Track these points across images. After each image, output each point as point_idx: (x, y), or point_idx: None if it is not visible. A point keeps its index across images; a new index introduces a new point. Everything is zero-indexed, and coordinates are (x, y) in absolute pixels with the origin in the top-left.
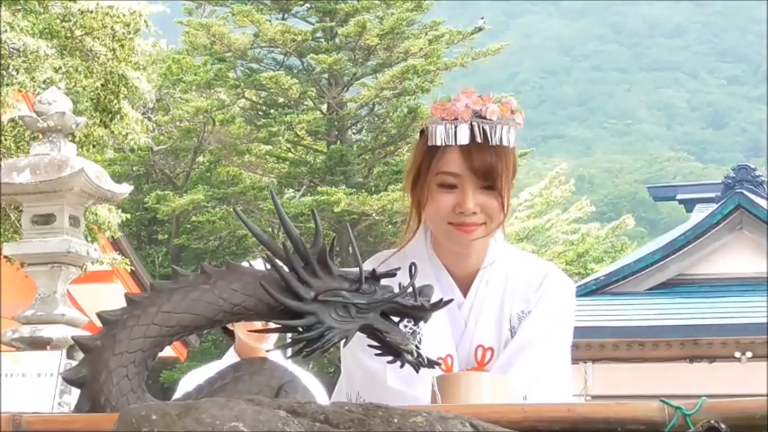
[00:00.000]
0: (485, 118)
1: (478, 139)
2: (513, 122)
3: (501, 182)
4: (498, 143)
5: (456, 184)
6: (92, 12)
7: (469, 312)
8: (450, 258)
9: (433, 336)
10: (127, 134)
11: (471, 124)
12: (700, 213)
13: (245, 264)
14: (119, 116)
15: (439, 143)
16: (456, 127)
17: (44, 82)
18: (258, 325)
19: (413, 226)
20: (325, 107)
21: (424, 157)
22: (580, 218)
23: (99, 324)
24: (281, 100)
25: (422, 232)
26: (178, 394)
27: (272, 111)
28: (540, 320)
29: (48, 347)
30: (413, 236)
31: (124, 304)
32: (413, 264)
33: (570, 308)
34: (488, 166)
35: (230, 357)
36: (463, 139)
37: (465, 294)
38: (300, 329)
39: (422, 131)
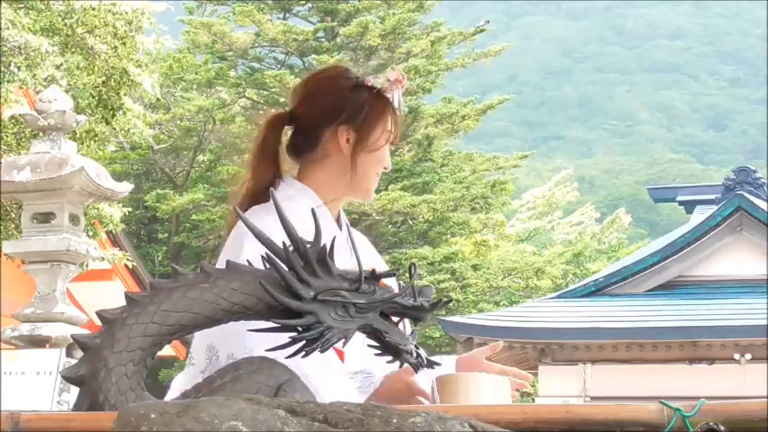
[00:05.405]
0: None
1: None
2: None
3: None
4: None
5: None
6: (94, 9)
7: (347, 241)
8: (332, 202)
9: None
10: (129, 129)
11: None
12: (700, 215)
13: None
14: (121, 111)
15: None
16: (399, 95)
17: (45, 79)
18: (257, 324)
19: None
20: None
21: (388, 118)
22: (582, 221)
23: (98, 322)
24: (282, 99)
25: (290, 184)
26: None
27: (272, 110)
28: None
29: (47, 346)
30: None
31: (124, 303)
32: (412, 264)
33: None
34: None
35: None
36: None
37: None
38: (300, 329)
39: (379, 92)
